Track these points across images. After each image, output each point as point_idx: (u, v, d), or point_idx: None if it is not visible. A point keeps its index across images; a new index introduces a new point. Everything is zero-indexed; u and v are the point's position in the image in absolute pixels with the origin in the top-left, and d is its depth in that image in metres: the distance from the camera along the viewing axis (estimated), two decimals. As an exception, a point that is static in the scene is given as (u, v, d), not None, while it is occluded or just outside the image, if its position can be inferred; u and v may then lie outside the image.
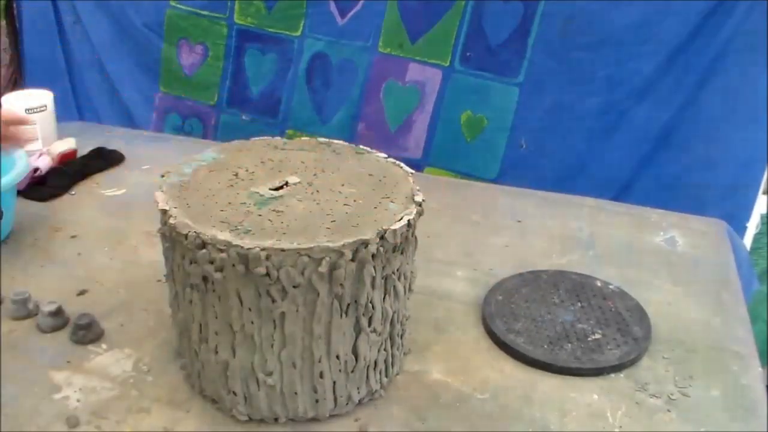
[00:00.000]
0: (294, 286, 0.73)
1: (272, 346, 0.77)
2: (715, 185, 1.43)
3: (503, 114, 1.54)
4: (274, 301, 0.74)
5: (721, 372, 0.93)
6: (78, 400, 0.85)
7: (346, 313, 0.77)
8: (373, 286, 0.77)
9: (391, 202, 0.82)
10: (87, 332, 0.94)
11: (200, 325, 0.79)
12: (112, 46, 1.84)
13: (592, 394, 0.88)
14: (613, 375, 0.92)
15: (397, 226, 0.76)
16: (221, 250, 0.72)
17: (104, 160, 1.49)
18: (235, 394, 0.81)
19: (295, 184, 0.86)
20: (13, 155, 1.14)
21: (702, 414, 0.86)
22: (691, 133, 1.43)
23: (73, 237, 1.21)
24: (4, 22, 1.92)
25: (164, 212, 0.78)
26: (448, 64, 1.55)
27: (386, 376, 0.87)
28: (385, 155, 0.95)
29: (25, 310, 0.99)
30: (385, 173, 0.90)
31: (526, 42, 1.48)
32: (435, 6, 1.53)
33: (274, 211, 0.79)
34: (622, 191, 1.50)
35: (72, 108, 1.92)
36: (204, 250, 0.73)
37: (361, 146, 0.97)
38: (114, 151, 1.53)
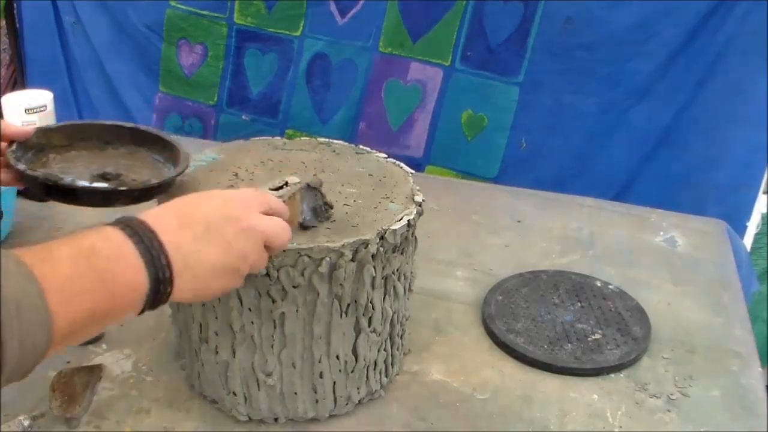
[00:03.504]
0: (294, 287, 0.73)
1: (272, 346, 0.77)
2: (715, 185, 1.43)
3: (503, 113, 1.54)
4: (274, 301, 0.74)
5: (721, 372, 0.93)
6: (78, 400, 0.84)
7: (346, 314, 0.77)
8: (373, 287, 0.77)
9: (391, 202, 0.82)
10: (87, 332, 0.94)
11: (200, 325, 0.79)
12: (112, 46, 1.84)
13: (592, 394, 0.88)
14: (613, 375, 0.92)
15: (397, 226, 0.76)
16: (221, 251, 0.72)
17: (104, 160, 1.48)
18: (235, 394, 0.81)
19: (295, 184, 0.86)
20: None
21: (702, 414, 0.86)
22: (691, 133, 1.43)
23: (73, 237, 1.21)
24: (4, 22, 1.92)
25: (164, 212, 0.78)
26: (448, 63, 1.55)
27: (386, 376, 0.87)
28: (385, 155, 0.95)
29: (25, 310, 0.99)
30: (385, 173, 0.90)
31: (526, 42, 1.48)
32: (435, 6, 1.53)
33: (274, 211, 0.79)
34: (622, 191, 1.50)
35: (72, 108, 1.92)
36: (204, 251, 0.73)
37: (361, 146, 0.97)
38: (114, 151, 1.52)
